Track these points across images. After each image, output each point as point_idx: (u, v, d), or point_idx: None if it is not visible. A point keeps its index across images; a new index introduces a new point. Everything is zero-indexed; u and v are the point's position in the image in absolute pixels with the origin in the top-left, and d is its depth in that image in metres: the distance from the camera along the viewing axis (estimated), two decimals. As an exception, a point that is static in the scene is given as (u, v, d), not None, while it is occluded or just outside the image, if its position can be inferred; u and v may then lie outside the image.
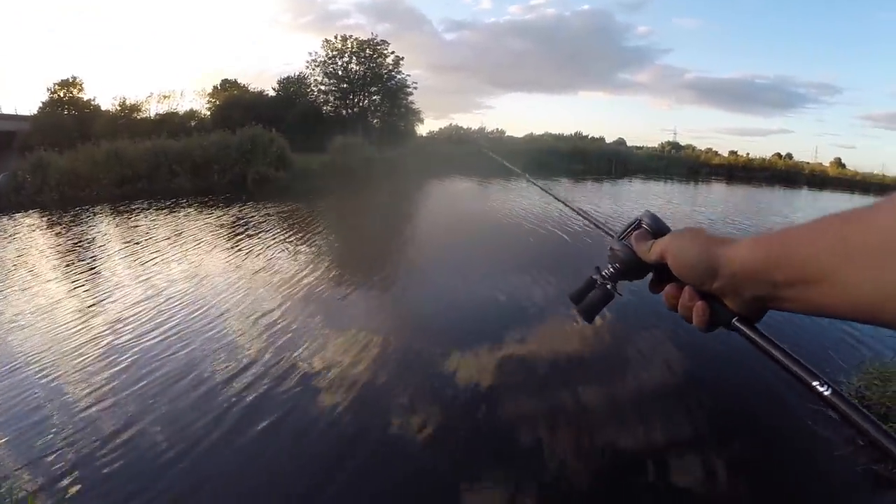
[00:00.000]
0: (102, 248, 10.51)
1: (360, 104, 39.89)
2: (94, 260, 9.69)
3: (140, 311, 6.80)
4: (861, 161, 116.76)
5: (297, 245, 10.46)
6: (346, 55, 39.57)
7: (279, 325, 6.30)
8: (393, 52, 40.24)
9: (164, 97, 35.93)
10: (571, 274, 8.96)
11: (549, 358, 5.79)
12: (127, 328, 6.26)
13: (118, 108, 34.06)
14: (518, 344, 6.07)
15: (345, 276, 8.67)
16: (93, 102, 34.44)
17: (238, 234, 11.33)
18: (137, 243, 10.56)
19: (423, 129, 45.19)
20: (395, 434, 4.26)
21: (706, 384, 5.54)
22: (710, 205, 24.62)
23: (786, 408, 5.03)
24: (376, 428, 4.31)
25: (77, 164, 20.42)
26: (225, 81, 40.65)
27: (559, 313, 7.17)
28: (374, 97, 40.19)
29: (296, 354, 5.50)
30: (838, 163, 72.57)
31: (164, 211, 14.82)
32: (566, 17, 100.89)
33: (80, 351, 5.69)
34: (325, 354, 5.53)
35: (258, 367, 5.19)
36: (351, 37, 39.81)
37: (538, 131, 50.11)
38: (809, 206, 31.62)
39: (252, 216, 13.71)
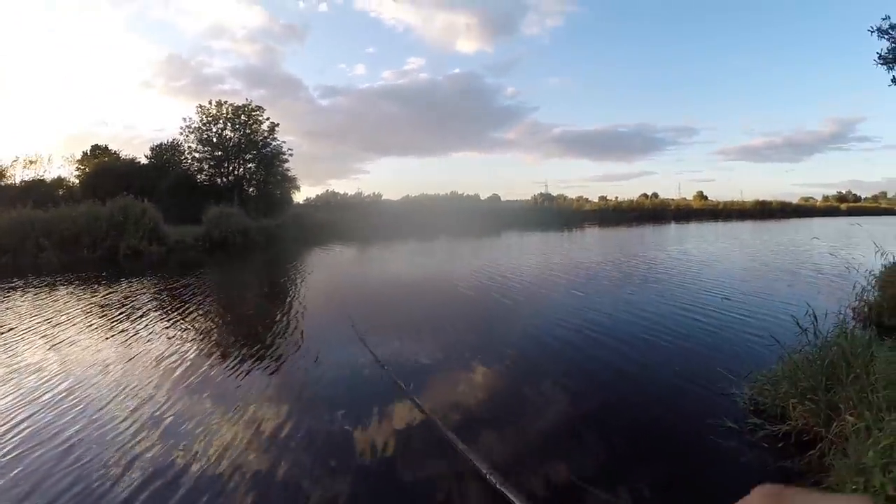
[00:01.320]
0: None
1: (236, 172, 40.16)
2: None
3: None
4: (721, 191, 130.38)
5: (176, 325, 10.20)
6: (221, 121, 39.97)
7: (168, 418, 5.86)
8: (268, 119, 41.37)
9: (31, 162, 34.55)
10: (462, 329, 9.70)
11: (450, 413, 5.85)
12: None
13: (-21, 173, 31.98)
14: (417, 404, 6.02)
15: (232, 354, 8.34)
16: (-49, 167, 32.07)
17: (113, 316, 10.94)
18: (6, 330, 9.86)
19: (299, 197, 46.11)
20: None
21: (613, 411, 5.84)
22: (588, 247, 27.27)
23: (691, 421, 5.46)
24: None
25: (-67, 235, 18.95)
26: (95, 147, 39.70)
27: (454, 369, 7.41)
28: (250, 165, 40.61)
29: (194, 448, 5.12)
30: (701, 195, 80.00)
31: (30, 291, 14.04)
32: (438, 81, 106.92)
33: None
34: (224, 443, 5.23)
35: (155, 470, 4.71)
36: (226, 102, 40.44)
37: (414, 193, 52.38)
38: (679, 234, 36.48)
39: (126, 295, 13.36)
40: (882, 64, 12.74)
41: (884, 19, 12.31)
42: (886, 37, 12.37)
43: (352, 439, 5.32)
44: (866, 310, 9.27)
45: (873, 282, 9.62)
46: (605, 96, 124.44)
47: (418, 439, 5.27)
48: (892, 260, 10.16)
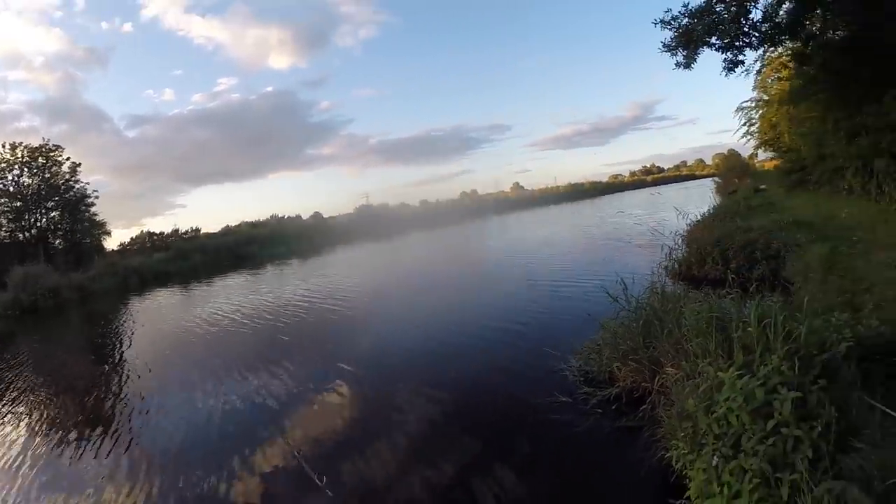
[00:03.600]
0: None
1: (38, 224, 36.35)
2: None
3: None
4: (537, 179, 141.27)
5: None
6: (17, 167, 36.00)
7: None
8: (69, 158, 38.06)
9: None
10: (308, 355, 9.62)
11: (306, 445, 5.85)
12: None
13: None
14: (267, 440, 6.13)
15: (69, 432, 7.70)
16: None
17: None
18: None
19: (112, 242, 42.99)
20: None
21: (457, 411, 6.12)
22: (407, 257, 27.39)
23: (527, 404, 5.78)
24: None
25: None
26: None
27: (307, 399, 7.33)
28: (53, 213, 36.98)
29: None
30: (517, 186, 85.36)
31: None
32: (251, 100, 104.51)
33: None
34: None
35: None
36: (21, 144, 36.46)
37: (234, 222, 50.99)
38: (496, 228, 38.76)
39: None
40: (666, 51, 14.32)
41: (666, 12, 13.94)
42: (669, 27, 13.93)
43: (215, 492, 5.16)
44: (676, 266, 10.27)
45: (679, 240, 10.75)
46: (419, 104, 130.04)
47: (280, 476, 5.22)
48: (691, 219, 11.58)
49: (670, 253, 10.28)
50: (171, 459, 6.18)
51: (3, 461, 6.94)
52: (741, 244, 9.85)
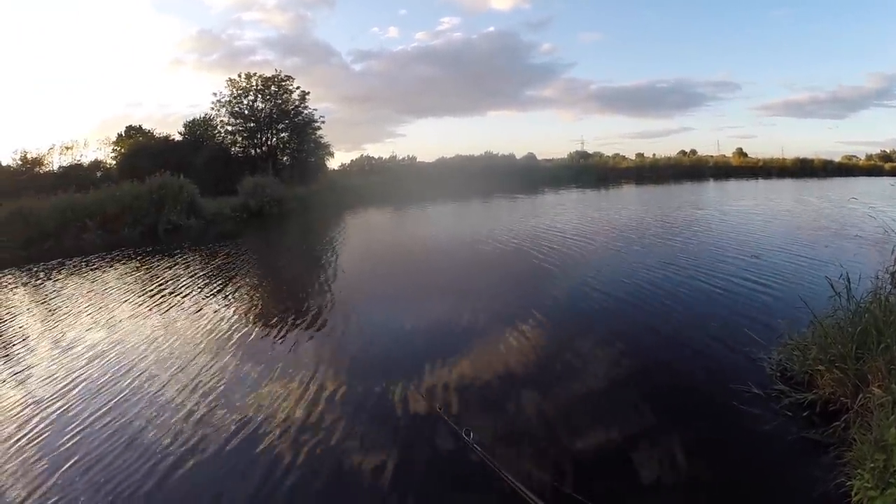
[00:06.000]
0: (32, 318, 9.86)
1: (269, 142, 40.14)
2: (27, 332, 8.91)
3: (64, 386, 6.38)
4: (762, 148, 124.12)
5: (220, 295, 10.50)
6: (251, 93, 39.75)
7: (215, 382, 6.18)
8: (298, 87, 40.91)
9: (67, 148, 35.16)
10: (504, 292, 9.78)
11: (495, 373, 6.06)
12: (52, 406, 5.83)
13: (19, 162, 32.75)
14: (463, 364, 6.34)
15: (274, 319, 8.65)
16: (-11, 158, 32.67)
17: (161, 290, 11.09)
18: (60, 310, 10.10)
19: (334, 163, 46.04)
20: (351, 476, 4.23)
21: (644, 377, 5.88)
22: (622, 206, 26.54)
23: (718, 387, 5.41)
24: (330, 472, 4.28)
25: (-24, 226, 19.42)
26: (129, 128, 40.05)
27: (497, 331, 7.50)
28: (283, 134, 40.50)
29: (239, 411, 5.38)
30: (740, 152, 76.31)
31: (82, 271, 14.27)
32: (473, 40, 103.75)
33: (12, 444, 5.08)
34: (268, 405, 5.49)
35: (199, 429, 5.05)
36: (255, 74, 40.12)
37: (449, 154, 51.42)
38: (716, 193, 35.50)
39: (170, 268, 13.65)
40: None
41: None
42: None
43: (401, 399, 5.55)
44: (905, 276, 8.89)
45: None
46: (644, 51, 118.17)
47: (465, 397, 5.52)
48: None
49: (901, 257, 8.94)
50: (352, 361, 6.76)
51: (213, 336, 8.05)
52: None
